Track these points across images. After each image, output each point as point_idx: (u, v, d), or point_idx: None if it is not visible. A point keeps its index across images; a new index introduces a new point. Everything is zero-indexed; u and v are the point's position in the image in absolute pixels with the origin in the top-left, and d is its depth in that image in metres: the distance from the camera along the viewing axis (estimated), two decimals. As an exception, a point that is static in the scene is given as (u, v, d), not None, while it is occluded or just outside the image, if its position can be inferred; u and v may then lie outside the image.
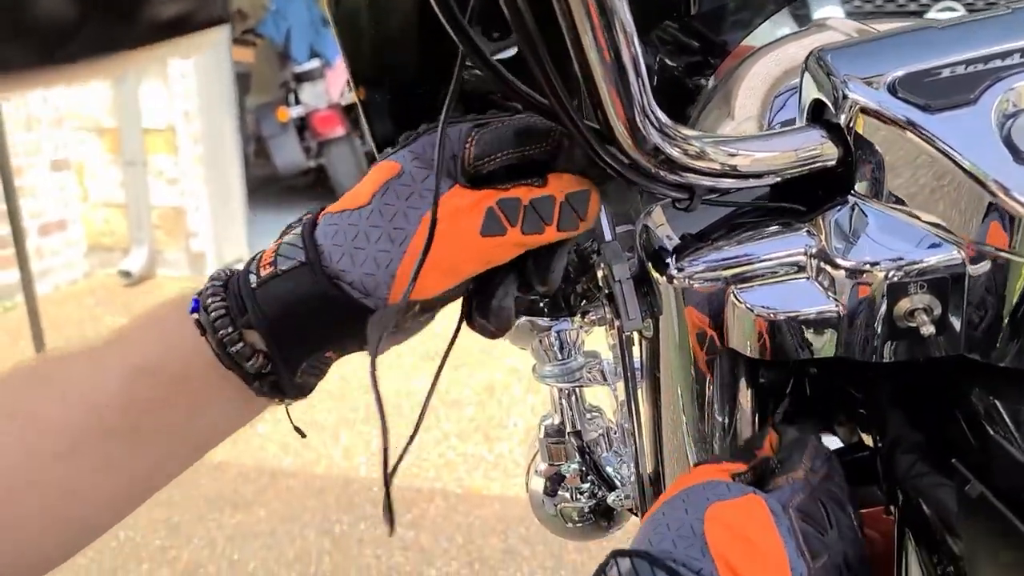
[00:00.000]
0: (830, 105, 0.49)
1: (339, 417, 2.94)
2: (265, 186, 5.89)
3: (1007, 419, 0.47)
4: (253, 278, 0.51)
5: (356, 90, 0.77)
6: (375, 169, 0.53)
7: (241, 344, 0.51)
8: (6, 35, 0.25)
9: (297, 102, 5.43)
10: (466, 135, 0.52)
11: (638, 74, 0.43)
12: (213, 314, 0.51)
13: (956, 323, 0.47)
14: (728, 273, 0.50)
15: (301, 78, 5.42)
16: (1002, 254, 0.43)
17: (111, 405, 0.52)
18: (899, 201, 0.48)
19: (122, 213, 4.72)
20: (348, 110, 5.29)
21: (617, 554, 0.45)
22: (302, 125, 5.43)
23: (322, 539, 2.38)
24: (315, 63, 5.40)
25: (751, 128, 0.65)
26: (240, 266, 0.55)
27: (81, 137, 4.68)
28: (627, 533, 2.09)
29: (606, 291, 0.56)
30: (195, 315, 0.52)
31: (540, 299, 0.73)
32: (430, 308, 0.54)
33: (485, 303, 0.56)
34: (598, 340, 0.78)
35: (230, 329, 0.51)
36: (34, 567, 0.53)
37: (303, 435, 0.62)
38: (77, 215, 4.73)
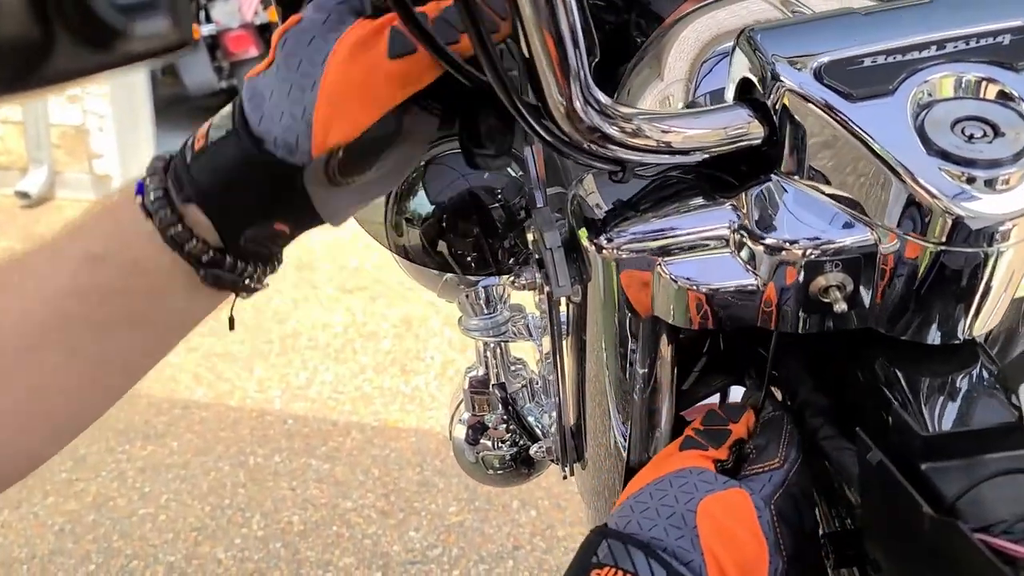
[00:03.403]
0: (758, 85, 0.51)
1: (253, 349, 2.91)
2: (174, 106, 5.65)
3: (906, 387, 0.51)
4: (189, 154, 0.51)
5: (271, 8, 0.75)
6: (278, 31, 0.51)
7: (180, 227, 0.51)
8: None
9: (208, 20, 5.18)
10: None
11: (578, 51, 0.44)
12: (152, 195, 0.51)
13: (866, 299, 0.50)
14: (654, 245, 0.52)
15: (212, -6, 5.17)
16: (910, 238, 0.46)
17: (69, 293, 0.51)
18: (820, 181, 0.50)
19: (19, 131, 4.48)
20: (262, 30, 5.09)
21: (607, 535, 0.47)
22: (213, 44, 5.20)
23: (236, 471, 2.38)
24: (227, -21, 5.16)
25: (678, 90, 0.67)
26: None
27: (-28, 48, 4.39)
28: (546, 478, 2.14)
29: (536, 256, 0.57)
30: (140, 197, 0.52)
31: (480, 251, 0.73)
32: (368, 153, 0.52)
33: (474, 132, 0.54)
34: (523, 293, 0.79)
35: (168, 211, 0.51)
36: (18, 465, 0.54)
37: (232, 327, 0.60)
38: (-31, 132, 4.47)
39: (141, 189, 0.52)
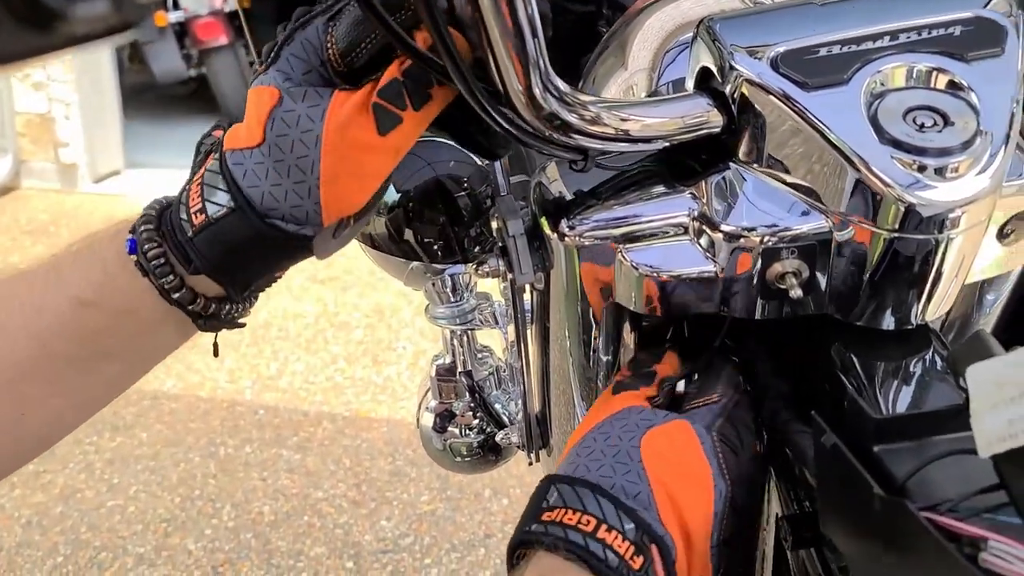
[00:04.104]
0: (717, 74, 0.51)
1: (223, 339, 2.87)
2: (141, 94, 5.58)
3: (861, 372, 0.52)
4: (187, 227, 0.52)
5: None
6: (254, 98, 0.52)
7: (184, 290, 0.54)
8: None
9: (176, 6, 5.11)
10: (324, 35, 0.51)
11: (536, 39, 0.44)
12: (153, 262, 0.53)
13: (821, 285, 0.51)
14: (616, 232, 0.53)
15: (180, -20, 5.10)
16: (863, 225, 0.47)
17: (57, 334, 0.54)
18: (777, 169, 0.51)
19: (-18, 119, 4.40)
20: (232, 17, 5.03)
21: (555, 480, 0.49)
22: (182, 31, 5.13)
23: (207, 462, 2.37)
24: (195, -35, 5.08)
25: (642, 80, 0.67)
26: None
27: (-67, 34, 4.29)
28: (517, 467, 2.13)
29: (500, 244, 0.57)
30: (134, 256, 0.54)
31: (435, 241, 0.74)
32: (374, 203, 0.56)
33: (474, 140, 0.56)
34: (490, 281, 0.80)
35: (171, 277, 0.53)
36: None
37: (216, 354, 0.66)
38: (-69, 119, 4.39)
39: (134, 248, 0.54)
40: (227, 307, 0.57)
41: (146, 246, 0.53)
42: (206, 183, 0.52)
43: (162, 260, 0.53)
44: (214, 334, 0.60)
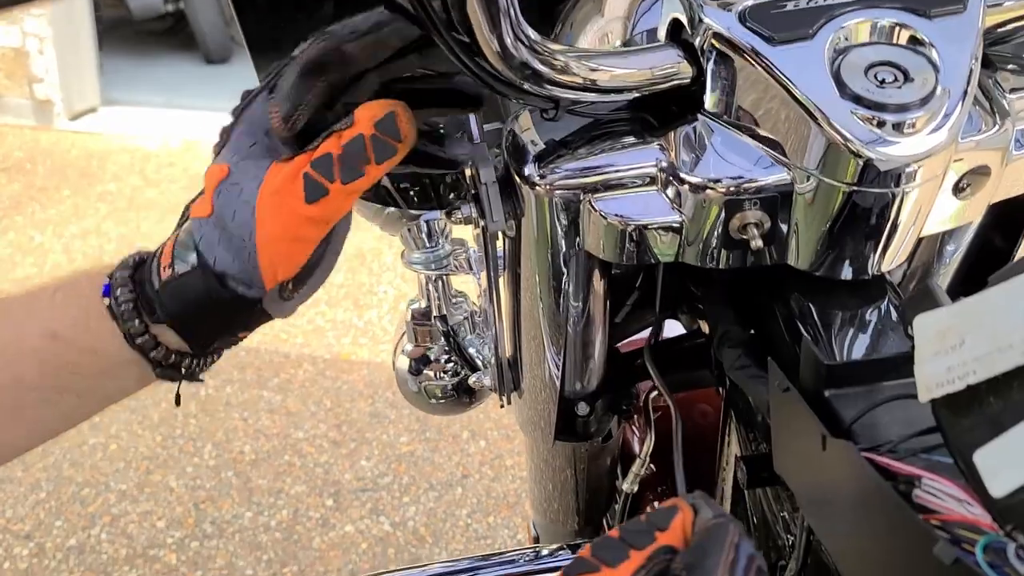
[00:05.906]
0: (687, 26, 0.52)
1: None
2: (118, 29, 5.47)
3: (818, 320, 0.54)
4: (156, 280, 0.56)
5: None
6: (208, 175, 0.55)
7: (145, 336, 0.56)
8: None
9: (152, -62, 4.99)
10: (266, 106, 0.54)
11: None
12: (122, 306, 0.56)
13: (783, 235, 0.53)
14: (586, 181, 0.54)
15: (156, -89, 4.96)
16: (824, 178, 0.48)
17: (27, 361, 0.57)
18: (744, 121, 0.52)
19: (-46, 53, 4.31)
20: (210, -48, 4.91)
21: None
22: (158, -35, 5.01)
23: (187, 402, 2.39)
24: None
25: (617, 28, 0.68)
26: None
27: (-99, -37, 4.17)
28: (495, 410, 2.17)
29: (472, 191, 0.58)
30: (106, 299, 0.56)
31: (411, 187, 0.75)
32: (310, 268, 0.57)
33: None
34: (465, 228, 0.81)
35: (136, 322, 0.56)
36: None
37: (178, 403, 0.66)
38: (-99, 52, 4.29)
39: (107, 291, 0.57)
40: (187, 360, 0.59)
41: (118, 291, 0.56)
42: (179, 242, 0.56)
43: (130, 306, 0.56)
44: (176, 384, 0.62)
